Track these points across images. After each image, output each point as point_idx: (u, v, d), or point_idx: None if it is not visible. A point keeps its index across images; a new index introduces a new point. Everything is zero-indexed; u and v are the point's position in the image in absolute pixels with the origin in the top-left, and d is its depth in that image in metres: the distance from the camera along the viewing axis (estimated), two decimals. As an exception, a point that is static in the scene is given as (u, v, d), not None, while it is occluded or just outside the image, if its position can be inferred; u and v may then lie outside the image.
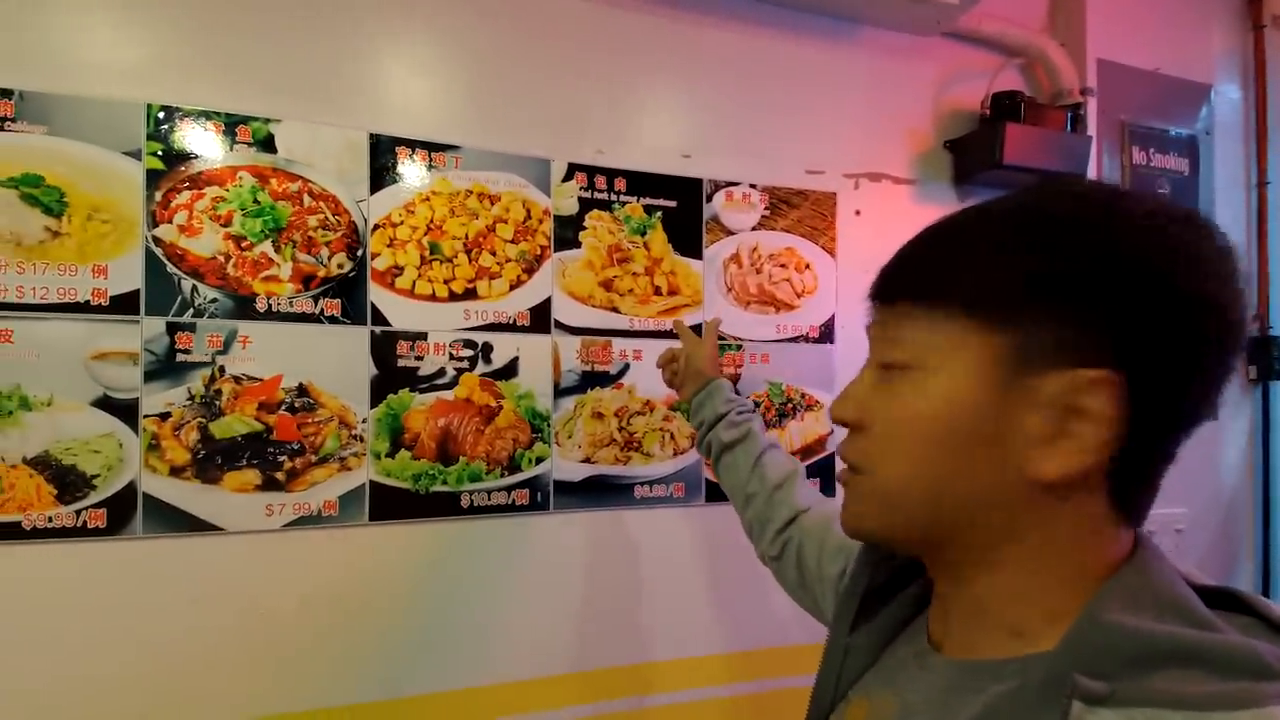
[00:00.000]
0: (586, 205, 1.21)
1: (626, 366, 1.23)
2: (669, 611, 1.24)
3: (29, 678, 0.91)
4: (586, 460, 1.20)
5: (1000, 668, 0.38)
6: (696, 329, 1.07)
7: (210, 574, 0.99)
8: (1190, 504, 1.61)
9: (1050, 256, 0.37)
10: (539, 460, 1.16)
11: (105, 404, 0.95)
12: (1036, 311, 0.37)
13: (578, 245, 1.21)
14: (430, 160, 1.12)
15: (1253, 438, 1.72)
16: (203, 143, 1.00)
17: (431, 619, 1.10)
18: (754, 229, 1.32)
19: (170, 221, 0.98)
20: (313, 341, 1.04)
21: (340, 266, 1.06)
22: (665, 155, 1.27)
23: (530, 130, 1.17)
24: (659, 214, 1.26)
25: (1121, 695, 0.32)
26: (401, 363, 1.09)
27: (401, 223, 1.10)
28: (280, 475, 1.02)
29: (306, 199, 1.05)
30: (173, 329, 0.98)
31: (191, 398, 0.99)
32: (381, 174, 1.09)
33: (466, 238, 1.13)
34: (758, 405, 1.31)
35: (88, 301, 0.94)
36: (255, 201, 1.02)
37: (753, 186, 1.32)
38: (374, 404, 1.07)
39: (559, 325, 1.19)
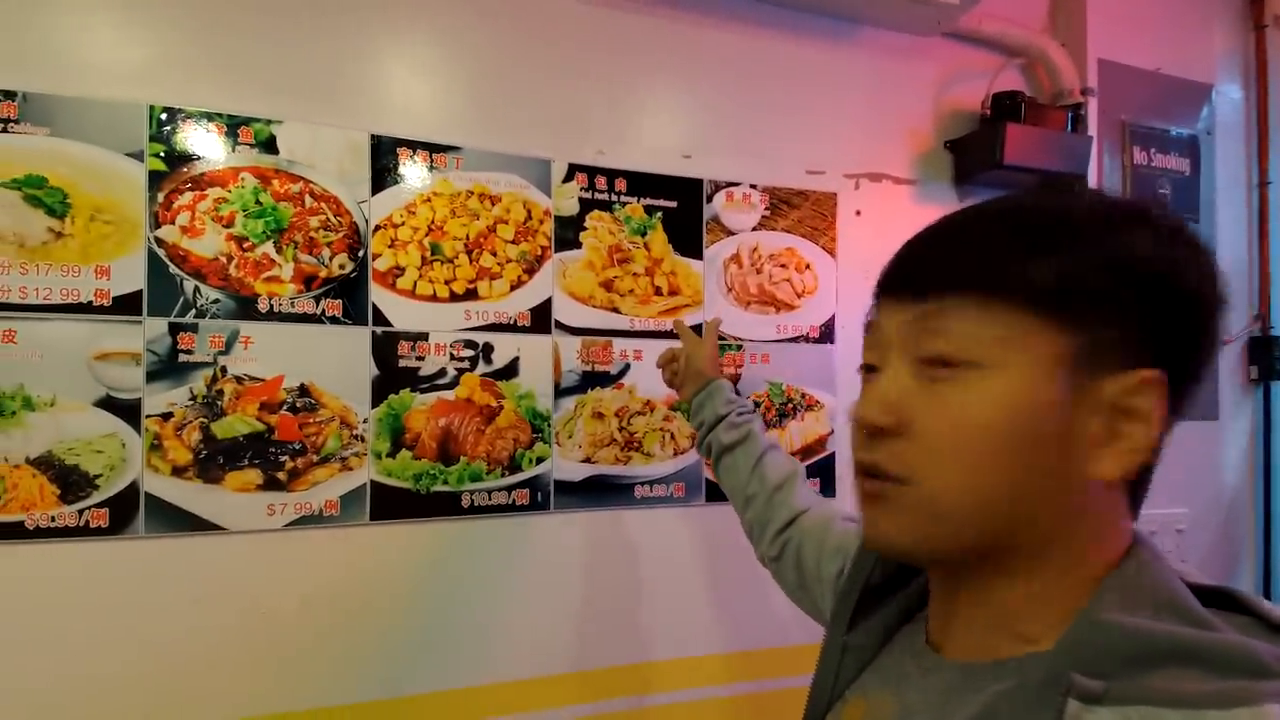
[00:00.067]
0: (587, 206, 1.21)
1: (627, 367, 1.24)
2: (669, 611, 1.24)
3: (32, 677, 0.92)
4: (587, 460, 1.20)
5: (999, 668, 0.38)
6: (697, 329, 1.07)
7: (212, 573, 0.99)
8: (1191, 504, 1.61)
9: (1123, 257, 0.37)
10: (539, 460, 1.17)
11: (108, 404, 0.95)
12: (1104, 311, 0.37)
13: (578, 246, 1.21)
14: (431, 161, 1.12)
15: (1253, 438, 1.72)
16: (205, 144, 1.01)
17: (432, 618, 1.10)
18: (754, 229, 1.32)
19: (173, 222, 0.99)
20: (314, 342, 1.05)
21: (342, 267, 1.07)
22: (666, 156, 1.27)
23: (531, 131, 1.18)
24: (659, 214, 1.26)
25: (1118, 693, 0.32)
26: (402, 363, 1.09)
27: (403, 223, 1.10)
28: (282, 475, 1.02)
29: (308, 200, 1.05)
30: (175, 329, 0.99)
31: (193, 398, 0.99)
32: (383, 175, 1.09)
33: (467, 238, 1.13)
34: (758, 405, 1.31)
35: (90, 302, 0.95)
36: (257, 202, 1.02)
37: (753, 187, 1.32)
38: (375, 404, 1.08)
39: (559, 325, 1.19)
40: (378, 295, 1.08)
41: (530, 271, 1.17)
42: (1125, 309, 0.37)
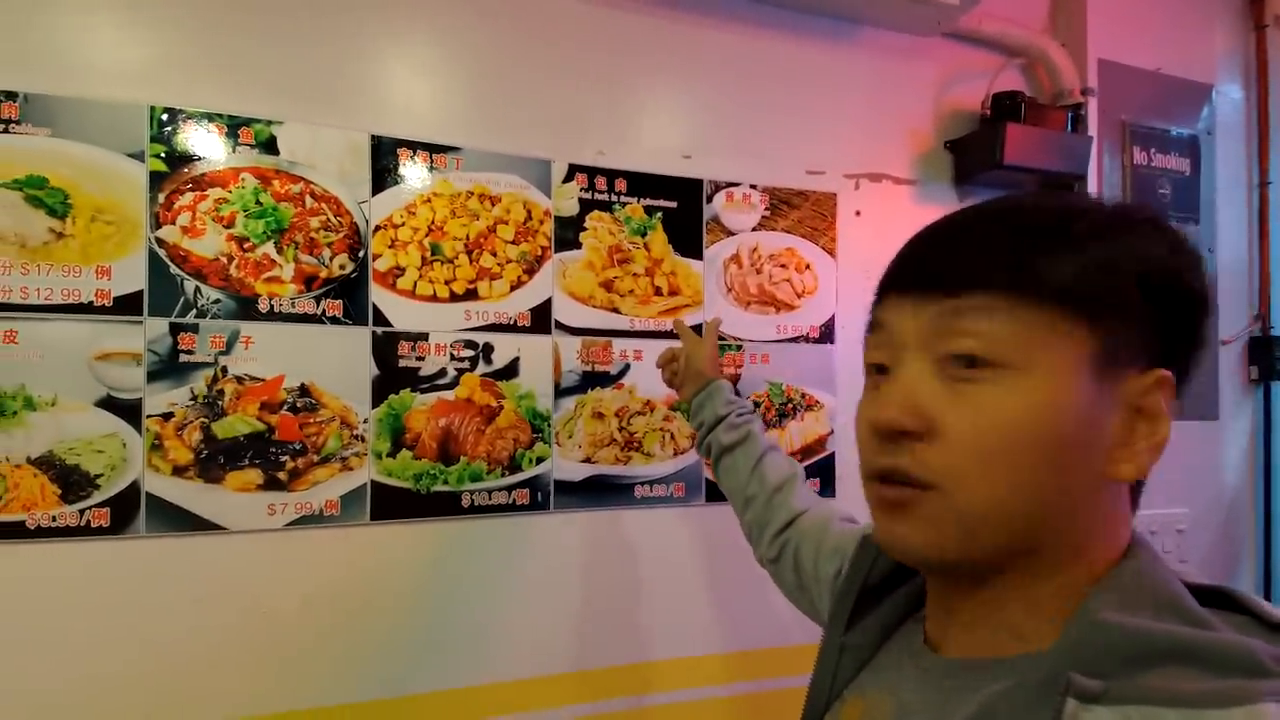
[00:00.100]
0: (587, 206, 1.22)
1: (627, 367, 1.24)
2: (668, 611, 1.24)
3: (33, 676, 0.92)
4: (587, 460, 1.20)
5: (997, 667, 0.38)
6: (697, 329, 1.07)
7: (213, 573, 0.99)
8: (1191, 504, 1.61)
9: (1142, 259, 0.38)
10: (539, 460, 1.17)
11: (109, 404, 0.95)
12: (1125, 311, 0.37)
13: (578, 246, 1.21)
14: (431, 162, 1.12)
15: (1254, 438, 1.72)
16: (205, 144, 1.01)
17: (433, 618, 1.10)
18: (754, 229, 1.33)
19: (173, 223, 0.99)
20: (315, 342, 1.05)
21: (342, 267, 1.07)
22: (666, 156, 1.27)
23: (531, 131, 1.18)
24: (659, 215, 1.26)
25: (1116, 693, 0.32)
26: (403, 363, 1.10)
27: (403, 224, 1.10)
28: (282, 475, 1.02)
29: (308, 200, 1.05)
30: (176, 330, 0.99)
31: (194, 398, 0.99)
32: (383, 175, 1.09)
33: (467, 239, 1.14)
34: (758, 405, 1.31)
35: (91, 302, 0.95)
36: (258, 203, 1.03)
37: (753, 187, 1.32)
38: (375, 404, 1.08)
39: (559, 326, 1.19)
40: (378, 295, 1.08)
41: (530, 272, 1.18)
42: (1142, 310, 0.37)
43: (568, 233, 1.20)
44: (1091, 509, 0.38)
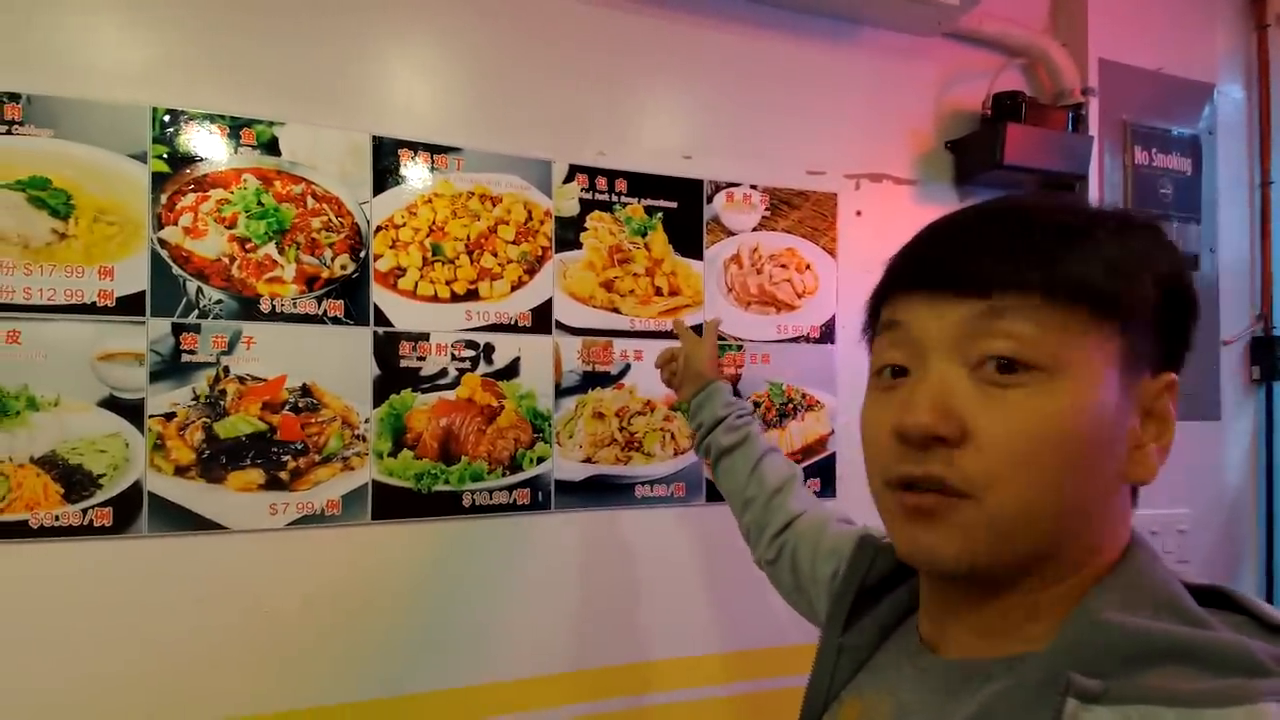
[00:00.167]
0: (587, 206, 1.22)
1: (627, 367, 1.24)
2: (668, 611, 1.24)
3: (35, 676, 0.92)
4: (587, 460, 1.20)
5: (996, 667, 0.38)
6: (697, 329, 1.07)
7: (215, 572, 1.00)
8: (1193, 504, 1.60)
9: (1158, 263, 0.39)
10: (540, 460, 1.17)
11: (111, 404, 0.96)
12: (1145, 315, 0.38)
13: (579, 246, 1.21)
14: (432, 162, 1.12)
15: (1256, 438, 1.71)
16: (207, 146, 1.01)
17: (433, 618, 1.10)
18: (755, 230, 1.33)
19: (175, 224, 0.99)
20: (316, 342, 1.05)
21: (343, 268, 1.07)
22: (666, 156, 1.27)
23: (531, 132, 1.18)
24: (660, 215, 1.26)
25: (1116, 692, 0.32)
26: (404, 363, 1.10)
27: (404, 224, 1.10)
28: (284, 475, 1.03)
29: (310, 201, 1.06)
30: (178, 330, 0.99)
31: (196, 398, 1.00)
32: (384, 176, 1.10)
33: (468, 239, 1.14)
34: (758, 405, 1.31)
35: (94, 303, 0.95)
36: (259, 204, 1.03)
37: (753, 187, 1.32)
38: (376, 404, 1.08)
39: (560, 326, 1.20)
40: (379, 296, 1.09)
41: (531, 272, 1.18)
42: (1158, 313, 0.38)
43: (568, 233, 1.20)
44: (1106, 510, 0.38)
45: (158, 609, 0.97)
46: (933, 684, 0.41)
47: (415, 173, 1.11)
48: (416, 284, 1.11)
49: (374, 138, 1.09)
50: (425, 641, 1.10)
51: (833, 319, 1.37)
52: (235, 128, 1.02)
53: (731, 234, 1.31)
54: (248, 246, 1.02)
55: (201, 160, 1.01)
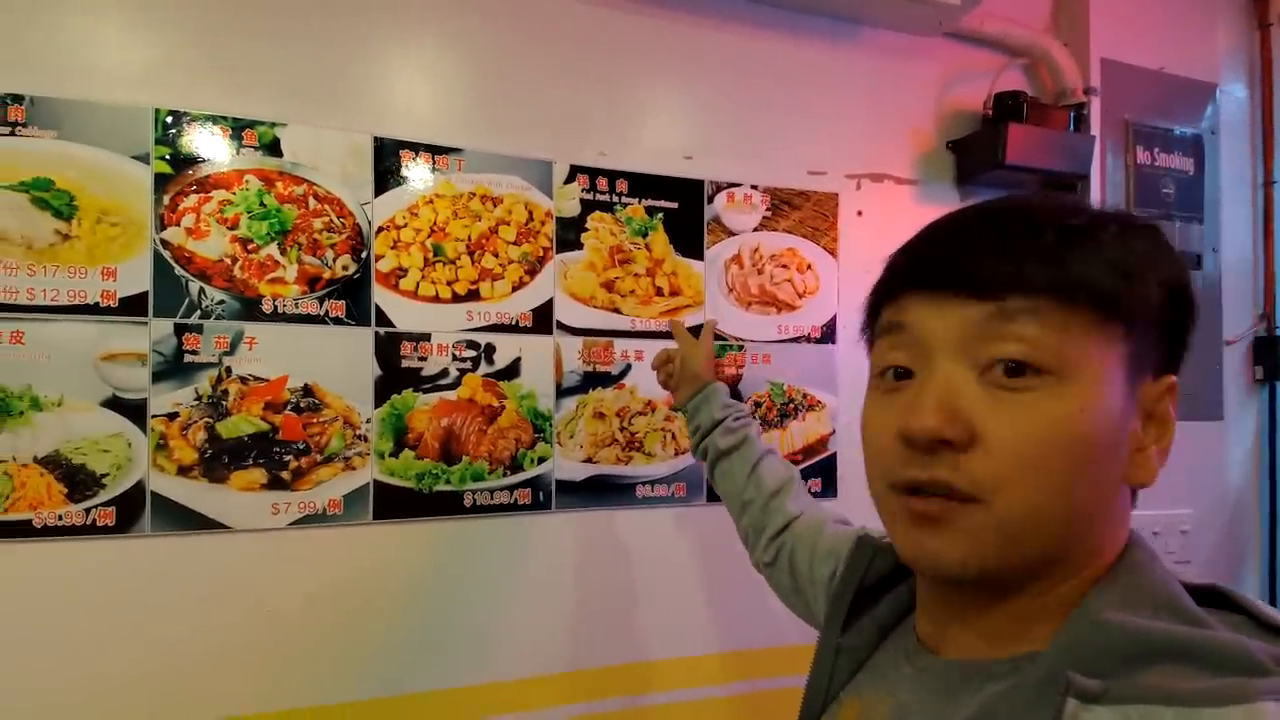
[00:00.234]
0: (588, 207, 1.22)
1: (628, 367, 1.24)
2: (669, 611, 1.24)
3: (38, 675, 0.93)
4: (588, 460, 1.20)
5: (996, 667, 0.38)
6: (696, 330, 1.07)
7: (217, 572, 1.00)
8: (1196, 505, 1.60)
9: (1163, 266, 0.39)
10: (541, 460, 1.17)
11: (114, 404, 0.96)
12: (1149, 317, 0.38)
13: (579, 247, 1.21)
14: (433, 163, 1.13)
15: (1258, 438, 1.71)
16: (210, 147, 1.01)
17: (434, 617, 1.11)
18: (755, 230, 1.33)
19: (178, 224, 1.00)
20: (318, 342, 1.06)
21: (345, 268, 1.07)
22: (667, 157, 1.27)
23: (532, 132, 1.18)
24: (660, 215, 1.26)
25: (1115, 692, 0.32)
26: (405, 363, 1.10)
27: (405, 225, 1.11)
28: (286, 474, 1.03)
29: (312, 202, 1.06)
30: (180, 330, 0.99)
31: (199, 398, 1.00)
32: (385, 177, 1.10)
33: (469, 239, 1.14)
34: (759, 406, 1.32)
35: (97, 303, 0.96)
36: (261, 204, 1.03)
37: (754, 187, 1.33)
38: (378, 404, 1.08)
39: (561, 326, 1.20)
40: (380, 296, 1.09)
41: (532, 272, 1.18)
42: (1161, 315, 0.39)
43: (569, 233, 1.21)
44: (1108, 513, 0.38)
45: (160, 608, 0.97)
46: (932, 684, 0.41)
47: (416, 173, 1.12)
48: (418, 284, 1.11)
49: (375, 139, 1.09)
50: (426, 641, 1.10)
51: (834, 319, 1.37)
52: (237, 129, 1.03)
53: (732, 234, 1.31)
54: (250, 247, 1.03)
55: (204, 161, 1.01)
